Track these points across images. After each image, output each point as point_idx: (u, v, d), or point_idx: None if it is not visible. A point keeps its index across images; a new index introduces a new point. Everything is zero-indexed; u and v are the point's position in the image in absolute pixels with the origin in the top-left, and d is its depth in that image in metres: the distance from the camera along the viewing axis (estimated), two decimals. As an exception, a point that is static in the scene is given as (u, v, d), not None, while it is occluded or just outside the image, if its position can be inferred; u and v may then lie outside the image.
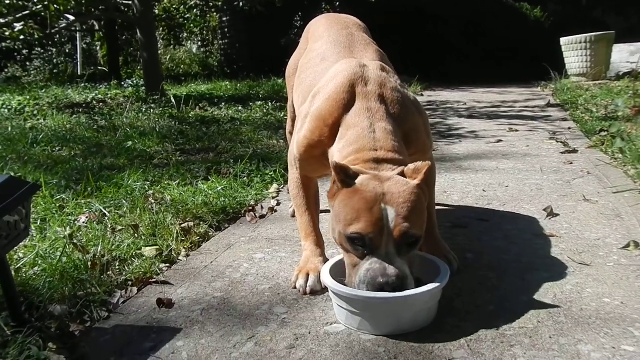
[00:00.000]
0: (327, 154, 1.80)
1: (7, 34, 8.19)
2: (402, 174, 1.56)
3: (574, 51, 8.64)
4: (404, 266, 1.48)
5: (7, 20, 7.90)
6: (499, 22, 10.69)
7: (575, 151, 3.81)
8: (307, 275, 1.79)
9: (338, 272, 1.63)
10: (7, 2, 7.84)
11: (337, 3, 11.18)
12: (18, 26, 7.95)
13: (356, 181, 1.53)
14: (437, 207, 2.24)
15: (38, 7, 7.81)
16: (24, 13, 7.90)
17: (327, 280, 1.58)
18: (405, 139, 1.75)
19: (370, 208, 1.46)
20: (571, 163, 3.47)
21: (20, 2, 7.92)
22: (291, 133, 2.60)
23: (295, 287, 1.80)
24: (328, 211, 2.62)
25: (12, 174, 3.19)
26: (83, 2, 8.41)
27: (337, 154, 1.70)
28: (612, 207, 2.54)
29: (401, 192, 1.49)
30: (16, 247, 1.84)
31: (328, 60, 2.06)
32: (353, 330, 1.52)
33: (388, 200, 1.47)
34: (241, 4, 9.53)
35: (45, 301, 1.69)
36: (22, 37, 8.39)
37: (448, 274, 1.57)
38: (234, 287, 1.85)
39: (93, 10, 9.26)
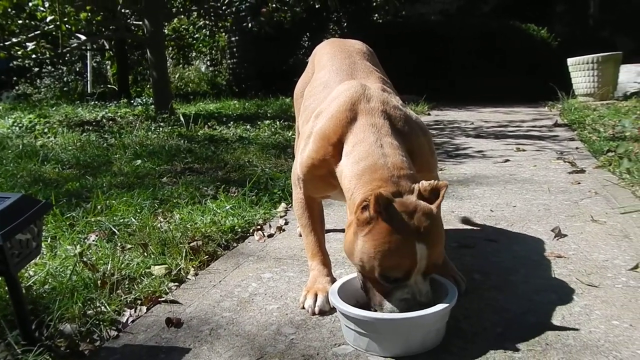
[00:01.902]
0: (332, 173, 1.80)
1: (19, 52, 8.32)
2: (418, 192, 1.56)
3: (581, 71, 8.65)
4: (429, 290, 1.55)
5: (19, 39, 8.02)
6: (506, 43, 10.74)
7: (582, 171, 3.81)
8: (316, 295, 1.80)
9: (346, 293, 1.64)
10: (20, 22, 7.97)
11: (345, 24, 11.28)
12: (30, 45, 8.07)
13: (388, 214, 1.50)
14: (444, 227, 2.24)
15: (50, 26, 7.92)
16: (35, 33, 8.02)
17: (335, 300, 1.58)
18: (410, 156, 1.74)
19: (406, 251, 1.49)
20: (579, 183, 3.47)
21: (32, 22, 8.05)
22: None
23: (303, 307, 1.80)
24: (334, 230, 2.66)
25: (23, 191, 3.22)
26: (94, 22, 8.53)
27: (348, 171, 1.69)
28: (620, 227, 2.53)
29: (431, 227, 1.51)
30: (27, 265, 1.85)
31: (330, 87, 2.07)
32: (361, 352, 1.52)
33: (421, 238, 1.49)
34: (250, 25, 9.61)
35: (55, 320, 1.70)
36: (33, 55, 8.52)
37: (456, 294, 1.57)
38: (243, 307, 1.86)
39: (104, 30, 9.39)
